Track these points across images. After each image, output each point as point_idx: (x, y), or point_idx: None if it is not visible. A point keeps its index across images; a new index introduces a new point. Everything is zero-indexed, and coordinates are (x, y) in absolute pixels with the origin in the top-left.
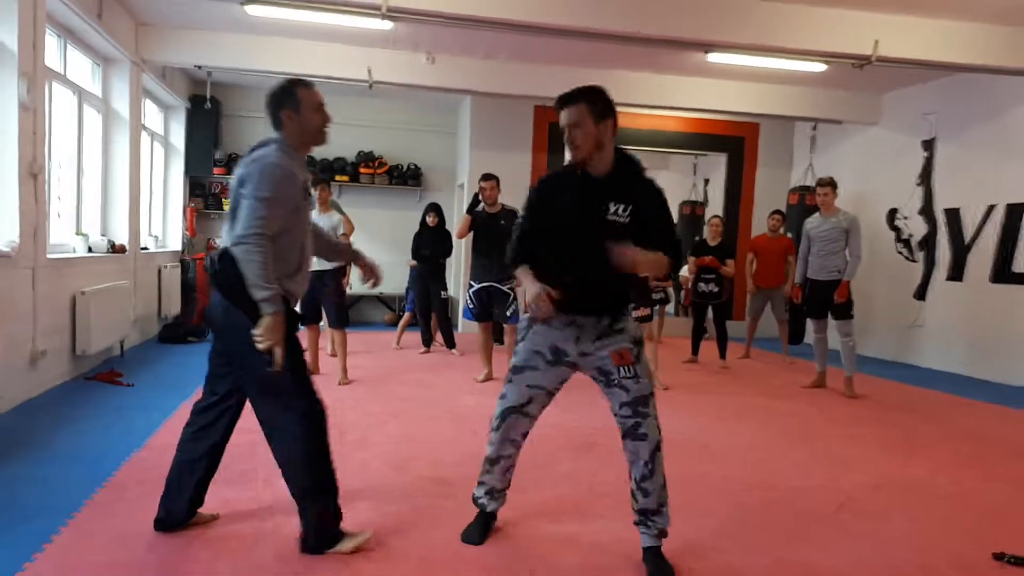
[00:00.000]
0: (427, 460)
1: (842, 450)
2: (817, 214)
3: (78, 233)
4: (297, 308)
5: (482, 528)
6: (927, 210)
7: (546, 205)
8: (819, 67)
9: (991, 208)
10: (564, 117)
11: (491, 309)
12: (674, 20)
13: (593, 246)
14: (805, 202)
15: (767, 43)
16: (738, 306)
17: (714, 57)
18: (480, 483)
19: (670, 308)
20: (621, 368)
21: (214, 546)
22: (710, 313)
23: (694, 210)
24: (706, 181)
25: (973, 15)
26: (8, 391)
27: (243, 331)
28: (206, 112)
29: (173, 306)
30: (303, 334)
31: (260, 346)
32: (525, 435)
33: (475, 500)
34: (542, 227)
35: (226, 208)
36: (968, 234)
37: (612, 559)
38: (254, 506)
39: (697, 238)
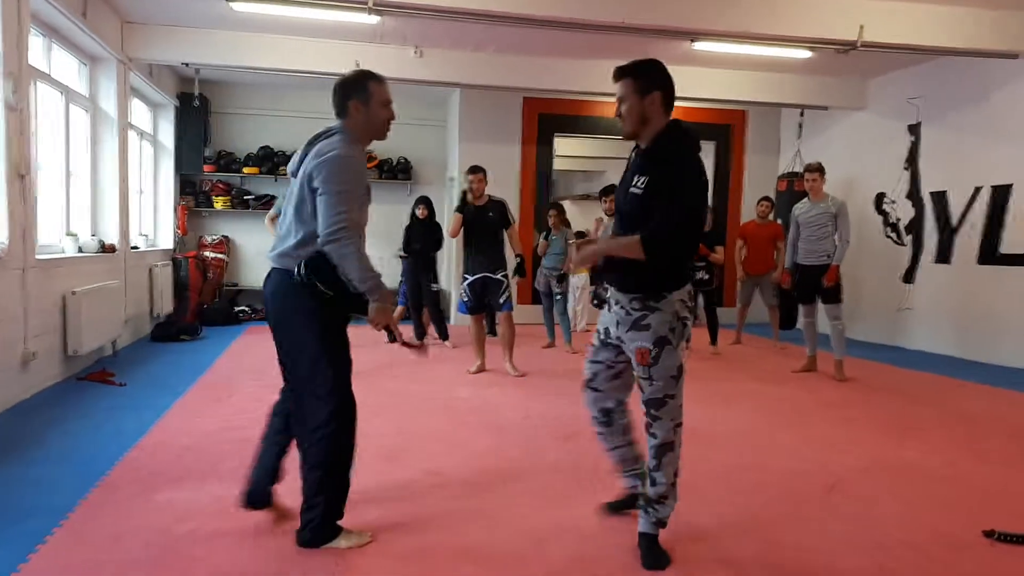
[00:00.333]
0: (419, 452)
1: (833, 433)
2: (805, 199)
3: (68, 233)
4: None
5: (619, 504)
6: (914, 194)
7: (622, 179)
8: (805, 53)
9: (977, 190)
10: (616, 91)
11: (485, 300)
12: (660, 9)
13: (623, 218)
14: (794, 188)
15: (752, 30)
16: (728, 292)
17: (700, 45)
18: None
19: None
20: (639, 368)
21: (209, 543)
22: (700, 300)
23: None
24: None
25: None
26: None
27: (291, 323)
28: (195, 110)
29: (165, 305)
30: None
31: (374, 328)
32: (607, 413)
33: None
34: None
35: (217, 206)
36: (955, 217)
37: (600, 546)
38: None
39: None
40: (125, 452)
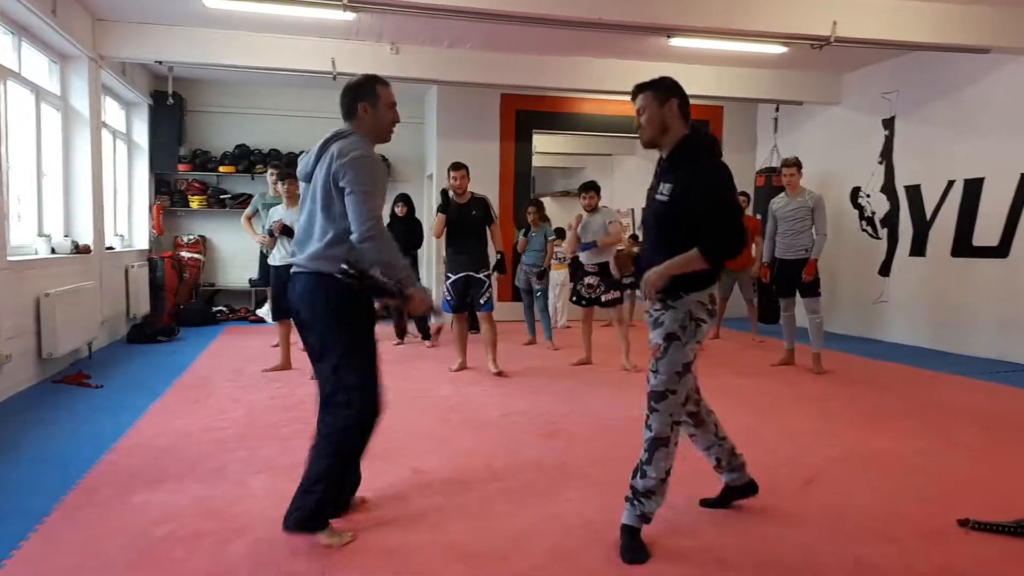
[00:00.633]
0: (402, 450)
1: (811, 425)
2: (783, 194)
3: (40, 234)
4: (267, 308)
5: (718, 499)
6: (889, 188)
7: (648, 189)
8: (779, 49)
9: (950, 184)
10: (635, 105)
11: (468, 298)
12: (636, 5)
13: (648, 224)
14: (772, 183)
15: (728, 26)
16: None
17: (676, 42)
18: None
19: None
20: (651, 361)
21: (187, 544)
22: None
23: None
24: None
25: None
26: None
27: (324, 324)
28: (169, 108)
29: (141, 306)
30: (274, 329)
31: (415, 314)
32: (693, 415)
33: None
34: None
35: (193, 205)
36: (929, 210)
37: (582, 542)
38: (226, 503)
39: None
40: (102, 454)
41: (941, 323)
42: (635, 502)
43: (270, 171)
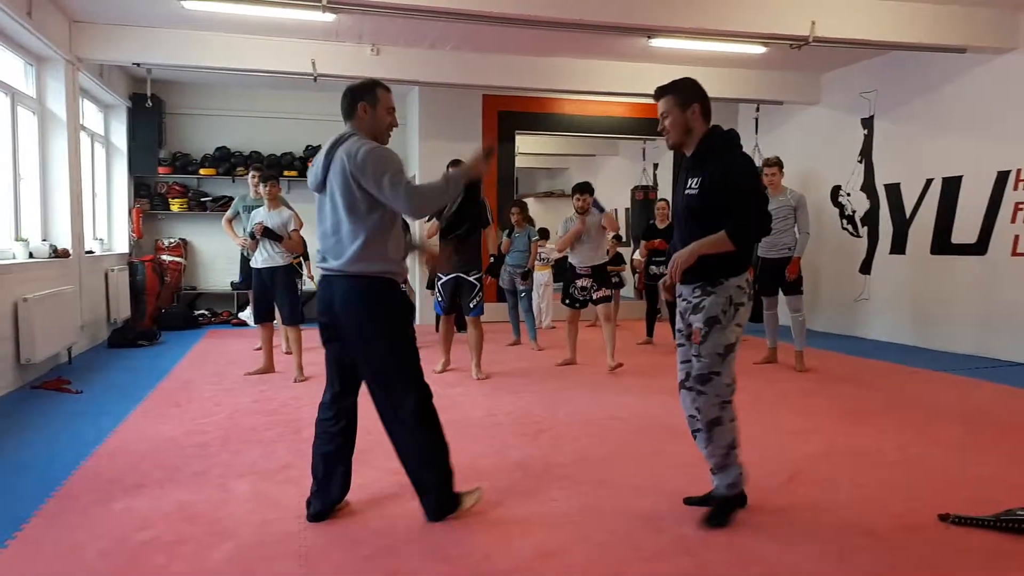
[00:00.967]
0: (383, 452)
1: (793, 422)
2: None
3: (17, 239)
4: (249, 311)
5: (702, 499)
6: (869, 186)
7: (675, 186)
8: (759, 49)
9: (929, 182)
10: (658, 108)
11: (457, 300)
12: (617, 6)
13: (680, 218)
14: None
15: (707, 26)
16: None
17: (657, 42)
18: None
19: (626, 291)
20: (693, 346)
21: (169, 550)
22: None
23: (646, 195)
24: (655, 166)
25: None
26: None
27: (370, 328)
28: (148, 111)
29: (122, 310)
30: (257, 332)
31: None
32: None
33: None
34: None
35: (174, 208)
36: (908, 208)
37: (565, 541)
38: (209, 508)
39: (650, 222)
40: (82, 460)
41: (921, 320)
42: (715, 476)
43: (252, 173)
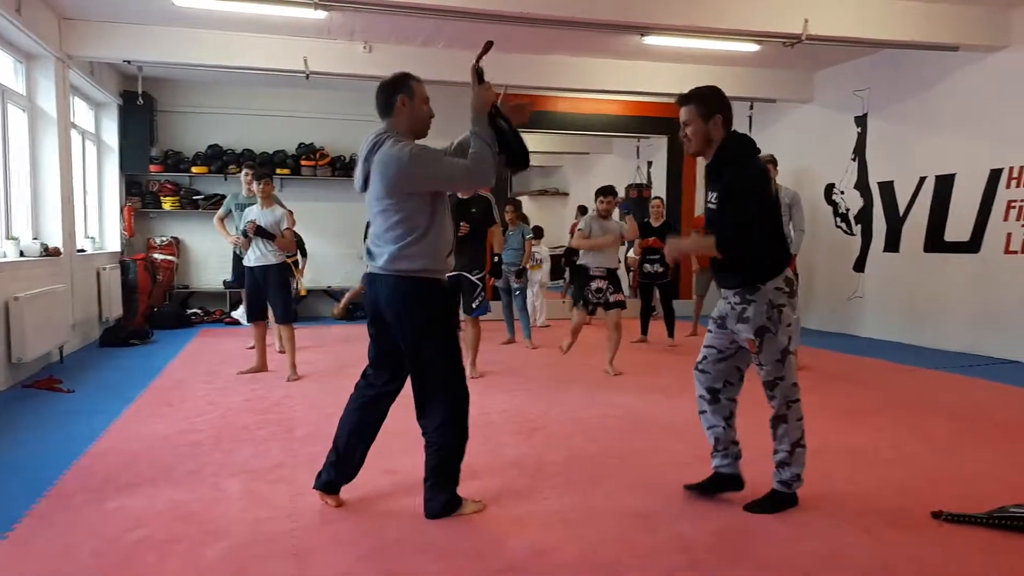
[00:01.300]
0: (376, 450)
1: None
2: None
3: (8, 237)
4: (242, 310)
5: (702, 485)
6: (862, 184)
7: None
8: (752, 47)
9: (922, 180)
10: (680, 116)
11: (458, 299)
12: (610, 4)
13: (710, 232)
14: None
15: (701, 24)
16: (684, 285)
17: (650, 40)
18: None
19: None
20: (753, 356)
21: (161, 549)
22: (657, 293)
23: (640, 193)
24: (649, 163)
25: None
26: None
27: (414, 326)
28: (139, 108)
29: (114, 309)
30: (250, 331)
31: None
32: (713, 392)
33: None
34: None
35: (166, 206)
36: (902, 206)
37: (559, 540)
38: (202, 507)
39: (644, 220)
40: (75, 460)
41: (915, 318)
42: (777, 470)
43: (244, 171)
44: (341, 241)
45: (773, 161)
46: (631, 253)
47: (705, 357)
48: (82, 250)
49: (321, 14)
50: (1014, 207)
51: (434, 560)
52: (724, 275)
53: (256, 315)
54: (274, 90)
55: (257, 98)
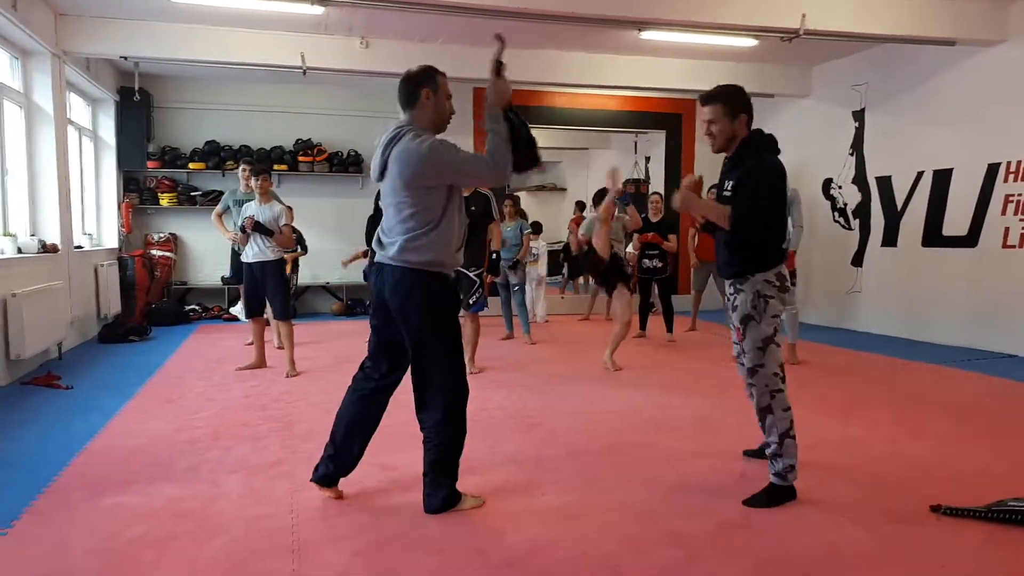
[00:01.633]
0: (374, 447)
1: None
2: None
3: (5, 234)
4: (240, 306)
5: (757, 451)
6: (860, 179)
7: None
8: (750, 42)
9: (920, 175)
10: (704, 113)
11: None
12: None
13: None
14: None
15: (698, 20)
16: (683, 280)
17: (648, 35)
18: None
19: None
20: (739, 343)
21: (159, 546)
22: (656, 288)
23: (638, 188)
24: (647, 159)
25: None
26: None
27: (417, 318)
28: (136, 104)
29: (112, 305)
30: (249, 327)
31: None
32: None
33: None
34: None
35: (163, 203)
36: (899, 201)
37: (557, 535)
38: (200, 504)
39: (642, 215)
40: (73, 457)
41: (912, 312)
42: (771, 462)
43: (242, 167)
44: (340, 236)
45: None
46: (629, 249)
47: (738, 354)
48: (80, 247)
49: (318, 9)
50: (1012, 201)
51: (433, 555)
52: (725, 263)
53: (254, 311)
54: (271, 86)
55: (254, 94)
